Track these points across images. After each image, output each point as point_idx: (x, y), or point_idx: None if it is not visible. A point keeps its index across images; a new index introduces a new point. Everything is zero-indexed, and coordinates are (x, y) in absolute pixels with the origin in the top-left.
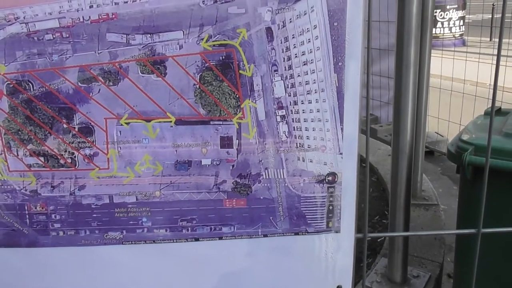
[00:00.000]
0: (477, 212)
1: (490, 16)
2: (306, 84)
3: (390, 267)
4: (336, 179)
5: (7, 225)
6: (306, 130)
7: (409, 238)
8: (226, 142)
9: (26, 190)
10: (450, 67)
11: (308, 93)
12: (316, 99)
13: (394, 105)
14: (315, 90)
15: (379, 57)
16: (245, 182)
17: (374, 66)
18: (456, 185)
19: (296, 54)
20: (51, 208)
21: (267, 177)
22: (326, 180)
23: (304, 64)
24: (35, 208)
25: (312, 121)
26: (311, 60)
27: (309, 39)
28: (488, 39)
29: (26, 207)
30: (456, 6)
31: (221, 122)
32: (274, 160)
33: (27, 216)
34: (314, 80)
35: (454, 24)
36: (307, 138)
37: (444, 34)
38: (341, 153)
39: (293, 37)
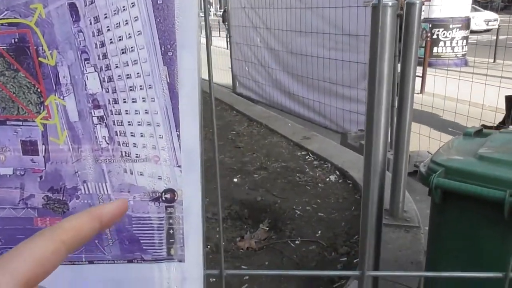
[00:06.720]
0: (448, 238)
1: (495, 37)
2: (128, 78)
3: None
4: (175, 197)
5: None
6: (132, 135)
7: (380, 261)
8: (29, 148)
9: None
10: (447, 86)
11: (131, 90)
12: (143, 98)
13: (366, 122)
14: (141, 86)
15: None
16: (59, 197)
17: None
18: None
19: (111, 40)
20: None
21: (87, 192)
22: (163, 198)
23: (123, 53)
24: None
25: (139, 124)
26: (131, 47)
27: (126, 21)
28: (492, 60)
29: None
30: (460, 25)
31: (20, 123)
32: (94, 172)
33: None
34: (137, 73)
35: (457, 43)
36: (134, 146)
37: (447, 54)
38: (179, 166)
39: (106, 17)
